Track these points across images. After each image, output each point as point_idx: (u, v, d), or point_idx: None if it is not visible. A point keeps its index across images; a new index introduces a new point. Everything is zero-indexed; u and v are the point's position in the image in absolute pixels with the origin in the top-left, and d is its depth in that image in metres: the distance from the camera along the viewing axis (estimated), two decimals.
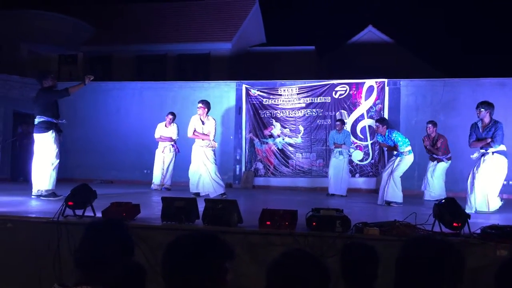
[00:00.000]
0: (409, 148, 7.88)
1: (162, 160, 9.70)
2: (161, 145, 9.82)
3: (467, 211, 6.45)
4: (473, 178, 6.99)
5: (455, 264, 1.75)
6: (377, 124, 8.25)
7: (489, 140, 6.88)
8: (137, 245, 4.61)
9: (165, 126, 9.80)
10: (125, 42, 15.88)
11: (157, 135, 9.81)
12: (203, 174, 8.13)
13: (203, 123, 8.23)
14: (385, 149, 9.54)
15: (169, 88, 11.85)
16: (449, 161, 9.04)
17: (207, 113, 8.24)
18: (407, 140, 7.87)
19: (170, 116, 9.79)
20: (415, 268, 1.74)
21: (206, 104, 8.28)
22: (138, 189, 9.56)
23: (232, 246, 1.86)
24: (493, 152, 6.94)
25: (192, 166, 8.35)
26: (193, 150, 8.35)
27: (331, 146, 9.55)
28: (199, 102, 8.31)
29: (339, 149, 9.31)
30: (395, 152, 8.01)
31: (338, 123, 9.58)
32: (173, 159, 9.72)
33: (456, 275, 1.74)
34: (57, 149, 6.98)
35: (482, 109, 6.98)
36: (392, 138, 7.97)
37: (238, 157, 11.17)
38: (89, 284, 1.77)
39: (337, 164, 9.38)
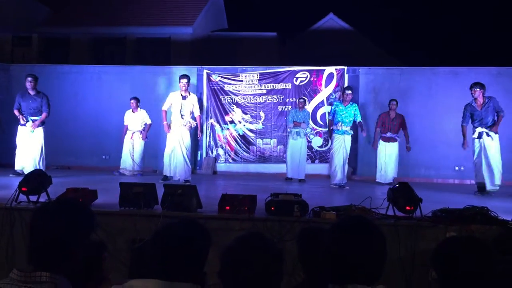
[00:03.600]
0: None
1: (132, 146, 9.67)
2: (129, 132, 9.76)
3: (488, 188, 7.35)
4: (486, 157, 7.44)
5: (380, 245, 1.79)
6: (350, 91, 8.47)
7: (502, 114, 7.46)
8: (94, 231, 4.55)
9: (132, 112, 9.73)
10: (83, 24, 15.40)
11: (126, 122, 9.77)
12: (178, 157, 8.03)
13: (184, 98, 8.07)
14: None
15: (129, 73, 11.62)
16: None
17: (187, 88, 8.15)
18: None
19: (133, 101, 9.69)
20: (344, 245, 1.77)
21: (189, 79, 8.23)
22: (97, 175, 9.38)
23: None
24: (495, 132, 7.49)
25: (167, 148, 8.20)
26: (172, 129, 8.16)
27: (289, 124, 9.52)
28: (182, 77, 8.14)
29: (297, 129, 9.33)
30: (339, 129, 8.19)
31: (301, 100, 9.67)
32: (143, 144, 9.71)
33: (381, 257, 1.78)
34: None
35: (477, 89, 7.55)
36: (354, 115, 8.24)
37: (199, 143, 11.12)
38: (46, 271, 1.70)
39: (295, 146, 9.33)
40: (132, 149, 9.68)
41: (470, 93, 7.66)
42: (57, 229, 1.73)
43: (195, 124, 8.36)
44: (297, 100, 9.99)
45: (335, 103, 8.70)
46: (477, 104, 7.58)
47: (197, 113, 8.27)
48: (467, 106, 7.73)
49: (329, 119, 8.95)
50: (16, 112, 8.33)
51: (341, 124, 8.27)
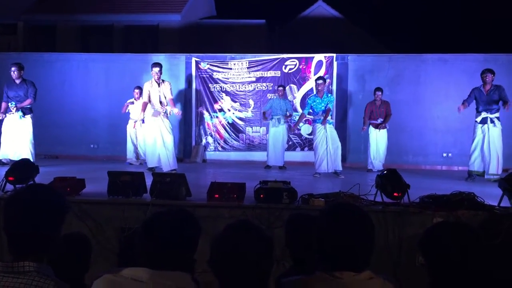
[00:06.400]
0: None
1: (135, 135, 9.66)
2: (131, 121, 9.71)
3: (486, 177, 7.40)
4: (488, 143, 7.54)
5: (368, 232, 1.80)
6: (323, 80, 8.44)
7: (509, 102, 7.52)
8: (82, 220, 4.54)
9: (135, 100, 9.70)
10: (69, 12, 15.16)
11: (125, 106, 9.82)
12: (159, 147, 7.93)
13: (158, 85, 7.99)
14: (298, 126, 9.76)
15: (116, 60, 11.49)
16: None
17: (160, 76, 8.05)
18: None
19: (137, 91, 9.63)
20: (333, 232, 1.78)
21: (161, 67, 8.11)
22: (85, 164, 9.33)
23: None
24: (497, 117, 7.59)
25: (148, 138, 8.09)
26: (149, 120, 8.05)
27: (263, 109, 9.71)
28: (154, 66, 8.00)
29: (278, 116, 9.32)
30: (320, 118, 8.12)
31: (280, 88, 9.67)
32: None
33: (369, 244, 1.80)
34: None
35: (489, 74, 7.67)
36: (327, 103, 8.16)
37: (188, 131, 11.08)
38: (27, 259, 1.69)
39: (277, 133, 9.34)
40: (135, 138, 9.64)
41: (481, 77, 7.73)
42: (29, 215, 1.71)
43: (179, 112, 8.33)
44: (276, 88, 9.99)
45: (310, 97, 8.50)
46: (485, 89, 7.67)
47: (169, 96, 8.15)
48: (475, 89, 7.81)
49: (302, 112, 8.87)
50: (3, 105, 8.22)
51: (322, 113, 8.12)
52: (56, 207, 1.79)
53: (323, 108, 8.14)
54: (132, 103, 9.75)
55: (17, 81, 8.20)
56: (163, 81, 8.08)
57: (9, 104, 8.20)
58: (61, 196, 1.85)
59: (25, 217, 1.71)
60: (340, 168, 8.09)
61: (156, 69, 7.93)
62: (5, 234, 1.74)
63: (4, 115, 8.18)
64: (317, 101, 8.19)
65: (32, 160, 6.40)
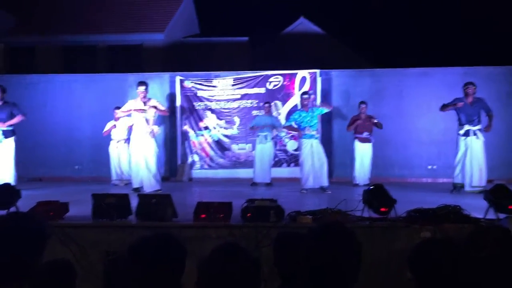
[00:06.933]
0: None
1: (118, 156, 9.58)
2: (113, 142, 9.66)
3: (466, 189, 7.43)
4: (471, 155, 7.56)
5: (355, 252, 1.81)
6: (309, 94, 8.50)
7: (492, 114, 7.66)
8: (66, 245, 4.44)
9: (115, 120, 9.64)
10: (51, 32, 15.08)
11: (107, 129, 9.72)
12: (142, 167, 7.85)
13: (144, 103, 7.90)
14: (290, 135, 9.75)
15: (100, 81, 11.43)
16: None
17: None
18: None
19: (117, 111, 9.51)
20: (320, 252, 1.78)
21: (147, 85, 8.07)
22: (69, 186, 9.19)
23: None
24: (480, 129, 7.63)
25: (133, 157, 8.00)
26: (134, 140, 7.97)
27: (249, 126, 9.77)
28: (140, 85, 7.94)
29: (265, 133, 9.33)
30: (306, 133, 8.11)
31: (266, 105, 9.69)
32: (129, 153, 9.51)
33: (356, 263, 1.80)
34: None
35: (472, 86, 7.73)
36: (314, 113, 8.19)
37: (173, 150, 11.02)
38: (6, 286, 1.67)
39: (264, 150, 9.34)
40: (118, 159, 9.55)
41: (463, 90, 7.77)
42: (9, 244, 1.72)
43: (159, 131, 8.30)
44: (263, 105, 10.01)
45: (296, 112, 8.48)
46: (467, 101, 7.72)
47: (162, 108, 8.11)
48: (458, 98, 7.81)
49: (287, 125, 8.85)
50: None
51: (308, 128, 8.13)
52: (36, 235, 1.79)
53: (311, 122, 8.15)
54: (114, 126, 9.67)
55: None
56: (148, 99, 8.04)
57: None
58: (41, 223, 1.86)
59: (5, 245, 1.71)
60: (326, 183, 8.06)
61: (142, 88, 7.88)
62: None
63: None
64: (303, 115, 8.21)
65: (14, 184, 6.29)
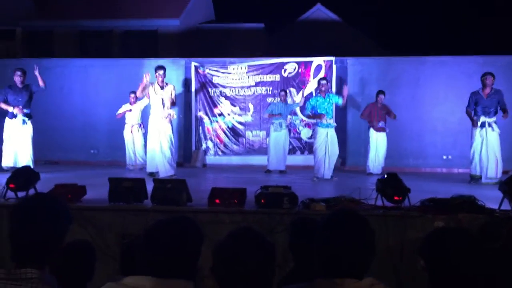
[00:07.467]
0: None
1: (132, 141, 9.63)
2: (127, 126, 9.69)
3: (483, 181, 7.38)
4: (487, 147, 7.52)
5: (369, 240, 1.81)
6: (326, 81, 8.50)
7: (506, 108, 7.54)
8: (84, 227, 4.54)
9: (130, 104, 9.68)
10: (68, 17, 15.20)
11: (121, 111, 9.74)
12: (157, 151, 7.90)
13: (162, 88, 7.95)
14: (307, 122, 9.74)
15: (115, 66, 11.50)
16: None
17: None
18: None
19: (132, 95, 9.59)
20: (333, 239, 1.79)
21: (165, 70, 8.09)
22: (85, 170, 9.33)
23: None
24: (495, 122, 7.57)
25: (150, 142, 8.04)
26: (151, 124, 8.02)
27: (264, 114, 9.76)
28: (158, 69, 7.97)
29: (279, 121, 9.32)
30: (323, 122, 8.08)
31: (282, 93, 9.68)
32: (142, 138, 9.56)
33: (369, 251, 1.80)
34: None
35: (491, 77, 7.61)
36: (331, 100, 8.20)
37: (188, 136, 11.08)
38: (29, 266, 1.70)
39: (278, 137, 9.33)
40: (133, 143, 9.62)
41: (481, 80, 7.68)
42: (36, 224, 1.74)
43: (175, 116, 8.32)
44: (279, 93, 9.99)
45: (312, 98, 8.49)
46: (484, 93, 7.63)
47: (173, 99, 8.14)
48: (474, 93, 7.76)
49: (306, 114, 8.85)
50: (2, 105, 8.19)
51: (325, 118, 8.12)
52: (61, 218, 1.82)
53: (326, 107, 8.15)
54: (130, 110, 9.74)
55: (20, 86, 8.22)
56: (166, 84, 8.09)
57: (11, 108, 8.10)
58: (66, 207, 1.88)
59: (32, 226, 1.74)
60: (330, 175, 8.13)
61: (160, 72, 7.94)
62: (10, 241, 1.76)
63: (15, 112, 8.11)
64: (320, 100, 8.21)
65: (32, 167, 6.41)
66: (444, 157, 10.33)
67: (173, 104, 8.11)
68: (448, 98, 10.08)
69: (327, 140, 8.03)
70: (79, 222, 4.48)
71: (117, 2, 15.71)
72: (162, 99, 7.93)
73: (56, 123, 11.04)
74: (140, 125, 9.69)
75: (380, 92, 9.34)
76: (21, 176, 4.82)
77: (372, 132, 9.29)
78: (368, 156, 9.34)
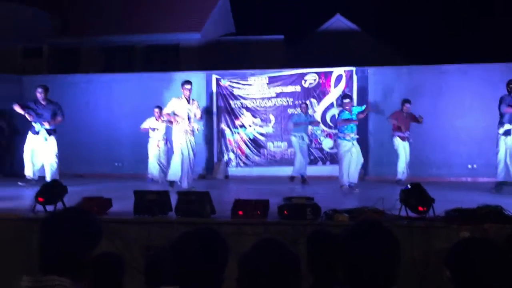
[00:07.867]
0: None
1: (158, 154, 9.74)
2: (152, 140, 9.80)
3: None
4: (511, 154, 7.48)
5: (394, 251, 1.81)
6: (350, 99, 8.69)
7: None
8: (111, 239, 4.62)
9: (156, 120, 9.82)
10: (92, 34, 15.57)
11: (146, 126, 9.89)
12: (185, 163, 7.96)
13: (189, 102, 8.08)
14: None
15: (138, 80, 11.73)
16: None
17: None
18: None
19: (157, 110, 9.72)
20: (358, 251, 1.79)
21: (192, 84, 8.23)
22: (110, 182, 9.48)
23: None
24: None
25: (176, 155, 8.07)
26: (176, 137, 8.09)
27: (289, 125, 9.84)
28: (186, 83, 8.11)
29: (301, 134, 9.50)
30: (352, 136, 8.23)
31: (303, 105, 9.77)
32: (166, 152, 9.70)
33: (395, 262, 1.80)
34: None
35: None
36: (354, 112, 8.38)
37: (210, 148, 11.18)
38: (56, 274, 1.76)
39: (304, 147, 9.65)
40: (158, 156, 9.74)
41: (507, 87, 7.58)
42: (64, 237, 1.80)
43: (200, 128, 8.47)
44: (300, 104, 10.09)
45: (344, 113, 8.42)
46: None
47: (198, 116, 8.28)
48: (505, 96, 7.60)
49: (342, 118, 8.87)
50: (17, 107, 8.23)
51: (349, 134, 8.25)
52: (90, 232, 1.89)
53: (355, 125, 8.37)
54: (155, 130, 9.80)
55: (43, 102, 8.42)
56: (192, 99, 8.23)
57: (34, 124, 8.31)
58: (96, 223, 1.95)
59: (64, 238, 1.80)
60: (356, 181, 8.27)
61: (188, 86, 8.08)
62: (40, 253, 1.83)
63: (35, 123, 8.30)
64: (347, 115, 8.35)
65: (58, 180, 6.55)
66: (469, 166, 10.17)
67: (199, 118, 8.26)
68: (473, 107, 9.96)
69: (351, 147, 8.15)
70: (106, 234, 4.55)
71: (140, 17, 16.04)
72: (189, 113, 8.06)
73: (82, 137, 11.28)
74: (165, 140, 9.78)
75: (406, 101, 9.27)
76: (49, 190, 4.94)
77: (399, 141, 9.21)
78: (398, 164, 9.22)
